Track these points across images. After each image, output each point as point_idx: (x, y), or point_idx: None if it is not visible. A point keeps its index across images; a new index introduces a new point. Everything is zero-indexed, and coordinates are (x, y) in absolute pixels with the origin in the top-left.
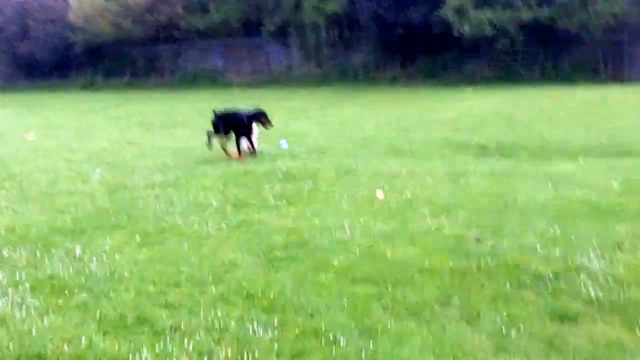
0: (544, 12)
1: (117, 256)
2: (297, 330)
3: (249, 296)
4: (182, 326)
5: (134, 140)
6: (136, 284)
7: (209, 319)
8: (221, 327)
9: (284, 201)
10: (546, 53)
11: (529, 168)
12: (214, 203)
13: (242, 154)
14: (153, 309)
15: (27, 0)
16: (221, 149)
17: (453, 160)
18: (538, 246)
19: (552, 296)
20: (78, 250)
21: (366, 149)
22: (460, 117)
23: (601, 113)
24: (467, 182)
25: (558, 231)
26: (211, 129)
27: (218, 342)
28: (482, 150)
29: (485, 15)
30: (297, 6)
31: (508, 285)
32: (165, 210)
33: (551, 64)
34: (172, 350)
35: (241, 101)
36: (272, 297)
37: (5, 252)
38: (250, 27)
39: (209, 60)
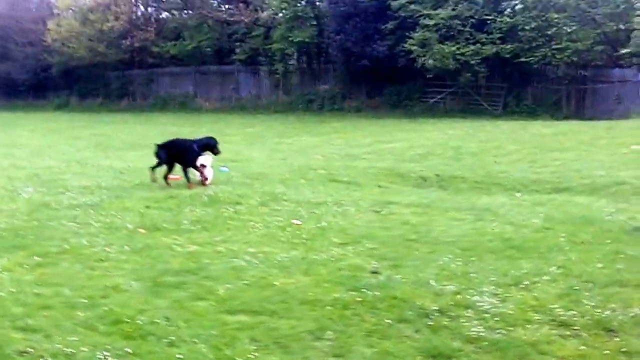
0: (507, 47)
1: (3, 275)
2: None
3: (115, 322)
4: (33, 351)
5: (83, 161)
6: (4, 306)
7: (63, 344)
8: (70, 353)
9: (199, 226)
10: (510, 87)
11: (459, 201)
12: (129, 226)
13: (191, 182)
14: (9, 331)
15: (7, 24)
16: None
17: (387, 190)
18: (433, 281)
19: (432, 333)
20: None
21: (305, 177)
22: (410, 147)
23: (550, 147)
24: (389, 212)
25: (460, 266)
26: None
27: None
28: (422, 181)
29: (449, 49)
30: (267, 35)
31: (389, 319)
32: (76, 231)
33: (514, 99)
34: None
35: (206, 125)
36: (139, 324)
37: None
38: (222, 55)
39: (180, 85)
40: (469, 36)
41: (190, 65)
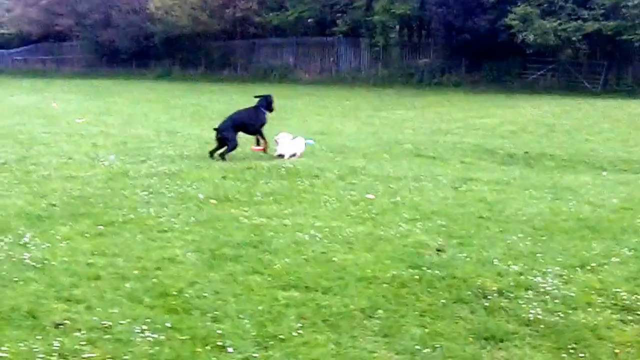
0: (610, 24)
1: (61, 245)
2: (187, 335)
3: (162, 295)
4: (69, 323)
5: (174, 130)
6: (53, 275)
7: (101, 316)
8: (107, 326)
9: (271, 198)
10: (610, 65)
11: (541, 179)
12: (201, 196)
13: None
14: (52, 302)
15: None
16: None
17: (470, 166)
18: (497, 260)
19: (488, 314)
20: (27, 237)
21: (389, 151)
22: (503, 123)
23: None
24: (467, 189)
25: (528, 245)
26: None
27: (94, 342)
28: (509, 158)
29: (550, 24)
30: (369, 7)
31: (445, 299)
32: (147, 201)
33: (614, 77)
34: (37, 348)
35: (302, 97)
36: (186, 297)
37: None
38: (324, 27)
39: (281, 56)
40: (570, 12)
41: (291, 36)
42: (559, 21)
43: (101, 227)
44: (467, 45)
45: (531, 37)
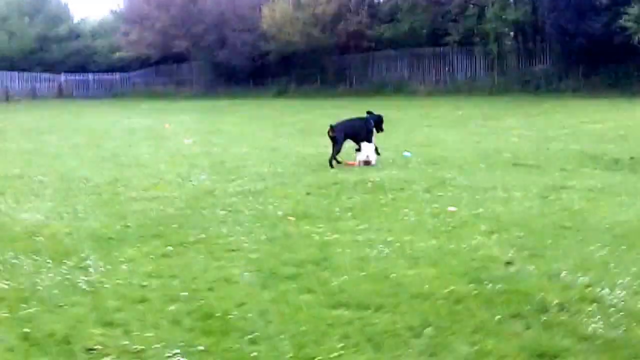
0: None
1: (122, 267)
2: (219, 358)
3: (205, 317)
4: (101, 348)
5: (276, 147)
6: (101, 299)
7: (135, 341)
8: (139, 350)
9: (349, 214)
10: None
11: None
12: (280, 213)
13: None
14: (89, 326)
15: (224, 11)
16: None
17: (568, 174)
18: (566, 272)
19: (544, 330)
20: (90, 261)
21: (486, 161)
22: (614, 128)
23: None
24: (557, 197)
25: (604, 255)
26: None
27: None
28: (613, 164)
29: None
30: (481, 15)
31: (501, 315)
32: (223, 220)
33: None
34: None
35: (414, 109)
36: (229, 319)
37: (19, 258)
38: (437, 37)
39: (395, 69)
40: None
41: (404, 48)
42: None
43: (170, 247)
44: (583, 50)
45: None
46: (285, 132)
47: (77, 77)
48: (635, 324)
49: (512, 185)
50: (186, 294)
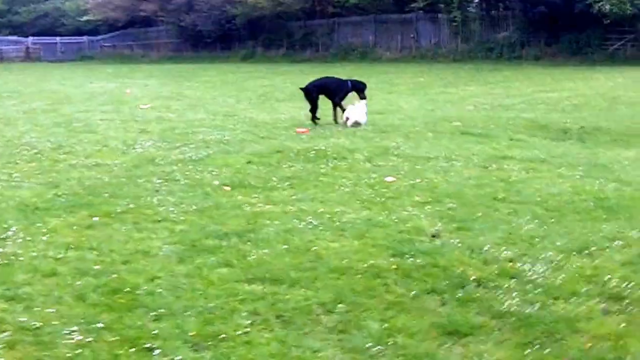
0: None
1: (43, 238)
2: (117, 337)
3: (112, 292)
4: None
5: (232, 113)
6: (11, 272)
7: (35, 317)
8: (36, 326)
9: (286, 184)
10: None
11: (582, 155)
12: (216, 183)
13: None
14: None
15: None
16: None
17: (515, 144)
18: (491, 246)
19: (459, 306)
20: (12, 231)
21: (435, 129)
22: (569, 97)
23: None
24: (497, 168)
25: (532, 229)
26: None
27: (14, 345)
28: (563, 134)
29: None
30: None
31: (417, 290)
32: (157, 189)
33: None
34: None
35: (378, 75)
36: (137, 294)
37: None
38: (402, 3)
39: (361, 35)
40: None
41: (370, 14)
42: None
43: (96, 218)
44: (545, 18)
45: (607, 7)
46: (245, 97)
47: (44, 41)
48: (552, 300)
49: (455, 154)
50: (99, 267)
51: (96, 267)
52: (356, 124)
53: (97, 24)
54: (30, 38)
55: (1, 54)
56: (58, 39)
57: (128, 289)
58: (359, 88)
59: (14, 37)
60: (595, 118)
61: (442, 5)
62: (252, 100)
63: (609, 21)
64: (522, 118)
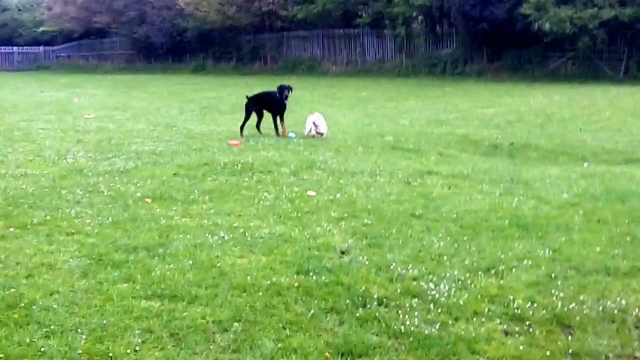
0: (627, 12)
1: None
2: (1, 354)
3: (8, 308)
4: None
5: (172, 124)
6: None
7: None
8: None
9: (207, 197)
10: (630, 51)
11: (506, 172)
12: (138, 195)
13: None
14: None
15: None
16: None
17: (443, 159)
18: (398, 263)
19: (358, 325)
20: None
21: (367, 144)
22: (504, 113)
23: None
24: (420, 183)
25: (443, 247)
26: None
27: None
28: (493, 149)
29: (566, 13)
30: None
31: (316, 309)
32: (78, 200)
33: (635, 63)
34: None
35: (322, 89)
36: (32, 310)
37: None
38: (348, 18)
39: (308, 49)
40: (586, 0)
41: (317, 29)
42: (574, 9)
43: (12, 229)
44: (487, 35)
45: (547, 26)
46: (189, 108)
47: (2, 50)
48: (453, 320)
49: (380, 169)
50: (0, 281)
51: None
52: (319, 134)
53: (53, 35)
54: None
55: None
56: (15, 48)
57: (24, 304)
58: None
59: None
60: (527, 134)
61: (387, 22)
62: (195, 111)
63: (548, 39)
64: (454, 133)
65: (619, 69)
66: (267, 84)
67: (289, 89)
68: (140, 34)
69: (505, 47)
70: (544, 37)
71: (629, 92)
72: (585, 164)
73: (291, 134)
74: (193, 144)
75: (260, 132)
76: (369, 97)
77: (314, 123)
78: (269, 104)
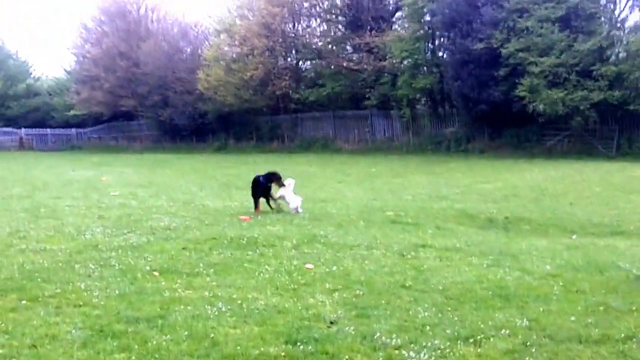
0: (615, 94)
1: None
2: None
3: None
4: None
5: (190, 201)
6: None
7: None
8: None
9: (211, 270)
10: (621, 130)
11: (497, 245)
12: (147, 268)
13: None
14: None
15: (166, 74)
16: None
17: (440, 232)
18: (383, 333)
19: None
20: None
21: (368, 218)
22: (502, 188)
23: (633, 189)
24: (414, 256)
25: (427, 317)
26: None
27: None
28: (489, 223)
29: (557, 95)
30: (394, 82)
31: None
32: (89, 274)
33: (626, 141)
34: None
35: (334, 165)
36: None
37: None
38: (357, 100)
39: (321, 128)
40: (576, 83)
41: (329, 110)
42: (565, 91)
43: (24, 302)
44: (486, 115)
45: (541, 107)
46: (208, 185)
47: (36, 132)
48: None
49: (377, 243)
50: (2, 351)
51: (1, 351)
52: (295, 209)
53: (83, 117)
54: (23, 129)
55: None
56: (49, 130)
57: None
58: (273, 179)
59: (9, 129)
60: (522, 209)
61: (393, 103)
62: (214, 188)
63: (543, 120)
64: (453, 208)
65: (611, 146)
66: (285, 162)
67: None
68: (164, 117)
69: (504, 126)
70: (539, 117)
71: (619, 168)
72: (573, 237)
73: (299, 209)
74: (206, 219)
75: (272, 208)
76: (377, 173)
77: (282, 196)
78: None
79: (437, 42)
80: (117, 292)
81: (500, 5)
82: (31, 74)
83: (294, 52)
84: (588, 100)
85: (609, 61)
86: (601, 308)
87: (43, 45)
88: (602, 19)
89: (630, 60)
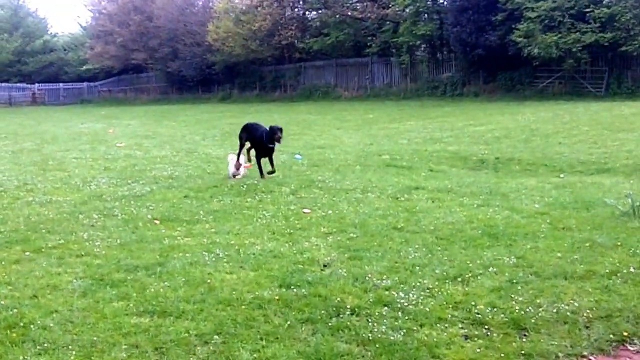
0: (607, 36)
1: None
2: None
3: (7, 327)
4: None
5: (193, 150)
6: None
7: None
8: None
9: (211, 217)
10: (611, 70)
11: (487, 185)
12: (148, 217)
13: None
14: None
15: (177, 27)
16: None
17: (432, 175)
18: (374, 274)
19: (330, 334)
20: None
21: (364, 163)
22: (493, 130)
23: (620, 128)
24: (407, 198)
25: (417, 257)
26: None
27: None
28: (480, 164)
29: (551, 39)
30: (395, 30)
31: (293, 320)
32: (92, 224)
33: (615, 81)
34: None
35: (334, 112)
36: (30, 329)
37: None
38: (359, 48)
39: (323, 77)
40: (570, 26)
41: (331, 59)
42: (559, 35)
43: (28, 253)
44: (482, 59)
45: (535, 51)
46: (211, 134)
47: (48, 87)
48: (417, 327)
49: (373, 186)
50: (5, 302)
51: (3, 301)
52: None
53: (95, 72)
54: (36, 85)
55: (11, 99)
56: (61, 85)
57: (23, 323)
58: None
59: (22, 84)
60: (512, 149)
61: (393, 50)
62: (217, 137)
63: (537, 62)
64: (446, 150)
65: (600, 86)
66: (286, 110)
67: (280, 130)
68: (173, 69)
69: (499, 70)
70: (533, 60)
71: (607, 108)
72: (562, 175)
73: (298, 156)
74: (208, 167)
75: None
76: (374, 119)
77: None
78: (253, 141)
79: None
80: (118, 241)
81: None
82: (48, 30)
83: (301, 2)
84: (580, 42)
85: (603, 3)
86: (587, 244)
87: (61, 2)
88: None
89: (623, 1)
